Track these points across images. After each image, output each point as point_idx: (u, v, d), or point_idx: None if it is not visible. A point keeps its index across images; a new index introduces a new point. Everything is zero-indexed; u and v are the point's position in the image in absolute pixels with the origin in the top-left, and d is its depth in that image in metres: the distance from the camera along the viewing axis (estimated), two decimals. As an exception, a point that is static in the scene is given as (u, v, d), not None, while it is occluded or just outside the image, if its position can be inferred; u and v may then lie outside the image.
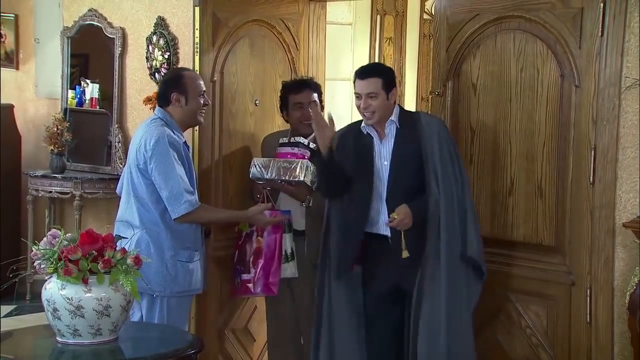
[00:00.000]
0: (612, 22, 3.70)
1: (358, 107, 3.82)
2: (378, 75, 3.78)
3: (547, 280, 3.92)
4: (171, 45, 5.02)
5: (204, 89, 4.04)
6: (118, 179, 5.15)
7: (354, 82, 3.84)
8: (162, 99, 4.01)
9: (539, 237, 3.94)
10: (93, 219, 5.46)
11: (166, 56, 5.03)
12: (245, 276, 4.18)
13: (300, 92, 4.21)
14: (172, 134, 3.88)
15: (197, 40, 4.32)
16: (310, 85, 4.26)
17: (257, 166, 4.09)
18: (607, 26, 3.71)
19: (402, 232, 3.70)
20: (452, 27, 4.20)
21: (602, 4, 3.71)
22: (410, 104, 6.55)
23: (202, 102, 4.01)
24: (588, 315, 3.80)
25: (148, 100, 4.92)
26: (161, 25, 5.09)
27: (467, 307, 3.76)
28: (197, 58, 4.31)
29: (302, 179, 4.03)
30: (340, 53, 6.09)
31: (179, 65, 4.97)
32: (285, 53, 4.69)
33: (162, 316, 3.88)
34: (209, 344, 4.38)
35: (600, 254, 3.77)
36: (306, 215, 4.23)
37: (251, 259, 4.16)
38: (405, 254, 3.71)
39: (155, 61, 5.11)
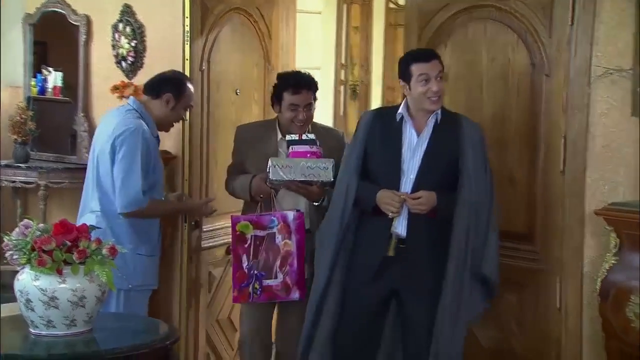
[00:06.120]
0: (581, 11, 3.75)
1: (424, 93, 3.56)
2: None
3: (518, 267, 3.95)
4: (138, 33, 4.95)
5: (193, 105, 4.08)
6: (84, 168, 5.12)
7: (411, 67, 3.58)
8: (151, 91, 3.99)
9: (510, 224, 3.96)
10: (57, 209, 5.36)
11: (133, 44, 4.97)
12: (269, 282, 3.91)
13: (297, 94, 3.96)
14: (147, 128, 3.86)
15: (187, 28, 4.25)
16: (310, 86, 4.01)
17: (276, 167, 3.80)
18: (577, 16, 3.76)
19: (394, 233, 3.57)
20: (424, 16, 4.22)
21: (572, -7, 3.76)
22: (376, 93, 6.57)
23: (182, 115, 4.04)
24: (558, 302, 3.86)
25: (115, 88, 4.86)
26: (127, 12, 5.01)
27: (463, 317, 3.59)
28: (187, 47, 4.24)
29: (331, 179, 3.82)
30: (310, 41, 6.08)
31: (147, 53, 4.93)
32: (260, 42, 4.67)
33: (119, 309, 3.84)
34: (199, 336, 4.49)
35: (570, 241, 3.83)
36: (316, 214, 4.01)
37: (278, 263, 3.92)
38: (392, 252, 3.58)
39: (121, 49, 5.04)
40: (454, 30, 4.11)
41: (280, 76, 4.14)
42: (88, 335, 3.10)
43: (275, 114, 4.11)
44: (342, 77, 6.51)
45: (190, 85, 4.05)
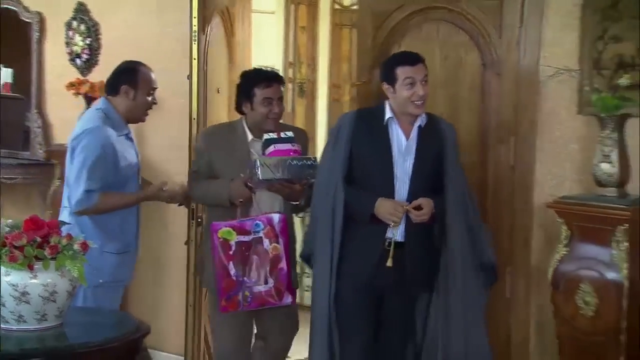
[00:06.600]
0: (530, 14, 3.93)
1: (409, 97, 3.50)
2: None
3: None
4: (92, 30, 5.00)
5: (156, 87, 4.01)
6: (37, 164, 5.13)
7: (397, 70, 3.52)
8: (110, 88, 3.97)
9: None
10: (11, 205, 5.35)
11: (87, 42, 5.00)
12: (260, 288, 3.77)
13: (270, 87, 3.87)
14: (109, 131, 3.84)
15: (195, 28, 4.23)
16: (279, 79, 3.95)
17: (265, 166, 3.68)
18: (526, 18, 3.94)
19: (393, 242, 3.50)
20: (378, 17, 4.34)
21: (521, -3, 3.94)
22: (322, 91, 6.69)
23: (150, 100, 3.99)
24: (508, 291, 4.03)
25: (71, 85, 4.89)
26: (81, 10, 5.06)
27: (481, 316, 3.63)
28: (194, 46, 4.23)
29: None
30: (264, 41, 6.16)
31: (101, 51, 4.96)
32: (226, 40, 4.73)
33: (85, 304, 3.85)
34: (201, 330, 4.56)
35: (519, 233, 4.01)
36: (291, 214, 3.97)
37: (267, 268, 3.77)
38: (389, 261, 3.49)
39: (75, 47, 5.07)
40: (408, 30, 4.24)
41: (247, 73, 4.02)
42: (59, 329, 3.10)
43: (239, 116, 4.01)
44: (290, 75, 6.62)
45: (143, 68, 3.99)
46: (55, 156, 5.08)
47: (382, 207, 3.46)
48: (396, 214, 3.45)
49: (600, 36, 3.76)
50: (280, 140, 3.78)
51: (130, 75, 3.95)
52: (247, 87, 3.90)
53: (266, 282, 3.78)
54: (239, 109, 3.98)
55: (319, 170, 3.67)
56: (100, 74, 4.94)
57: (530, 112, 3.94)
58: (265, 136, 3.82)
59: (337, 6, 6.79)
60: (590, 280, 3.46)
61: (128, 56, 4.40)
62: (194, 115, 4.30)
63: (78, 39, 5.06)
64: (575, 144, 3.86)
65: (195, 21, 4.23)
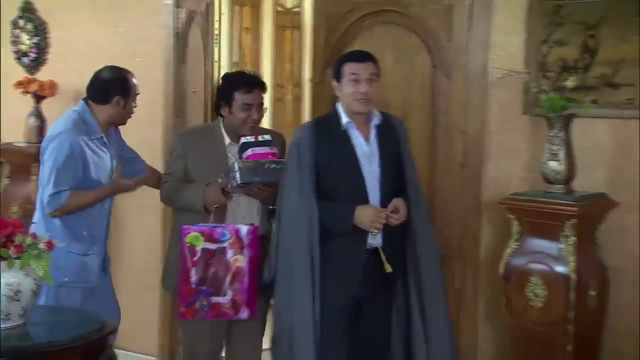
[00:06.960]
0: (478, 19, 4.08)
1: (352, 94, 3.45)
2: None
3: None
4: (40, 29, 4.96)
5: (139, 92, 3.95)
6: (-15, 162, 5.07)
7: (344, 66, 3.49)
8: (98, 97, 3.87)
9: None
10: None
11: (35, 40, 4.96)
12: (218, 299, 3.64)
13: (250, 92, 3.77)
14: (79, 134, 3.78)
15: (216, 30, 4.24)
16: (261, 85, 3.85)
17: (242, 169, 3.61)
18: (474, 22, 4.08)
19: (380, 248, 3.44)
20: (330, 19, 4.44)
21: (469, 2, 4.07)
22: (267, 92, 6.75)
23: (133, 105, 3.93)
24: (458, 284, 4.17)
25: (20, 84, 4.85)
26: (28, 9, 5.01)
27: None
28: (216, 50, 4.22)
29: None
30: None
31: (49, 50, 4.93)
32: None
33: (47, 303, 3.84)
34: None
35: (468, 229, 4.16)
36: (268, 220, 3.87)
37: (228, 279, 3.65)
38: (388, 267, 3.45)
39: (22, 45, 5.03)
40: (360, 32, 4.35)
41: (230, 76, 3.94)
42: (22, 328, 3.07)
43: (217, 118, 3.94)
44: (234, 75, 6.66)
45: (130, 75, 3.92)
46: (3, 155, 5.03)
47: (364, 216, 3.37)
48: (379, 220, 3.37)
49: (545, 40, 3.92)
50: (257, 143, 3.70)
51: (122, 86, 3.86)
52: (227, 91, 3.81)
53: (225, 294, 3.65)
54: (217, 111, 3.90)
55: (286, 193, 3.52)
56: (50, 73, 4.92)
57: (479, 112, 4.09)
58: (243, 139, 3.74)
59: (279, 8, 6.87)
60: (539, 274, 3.61)
61: (79, 56, 4.41)
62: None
63: (25, 37, 5.01)
64: (522, 142, 4.01)
65: (216, 24, 4.22)
